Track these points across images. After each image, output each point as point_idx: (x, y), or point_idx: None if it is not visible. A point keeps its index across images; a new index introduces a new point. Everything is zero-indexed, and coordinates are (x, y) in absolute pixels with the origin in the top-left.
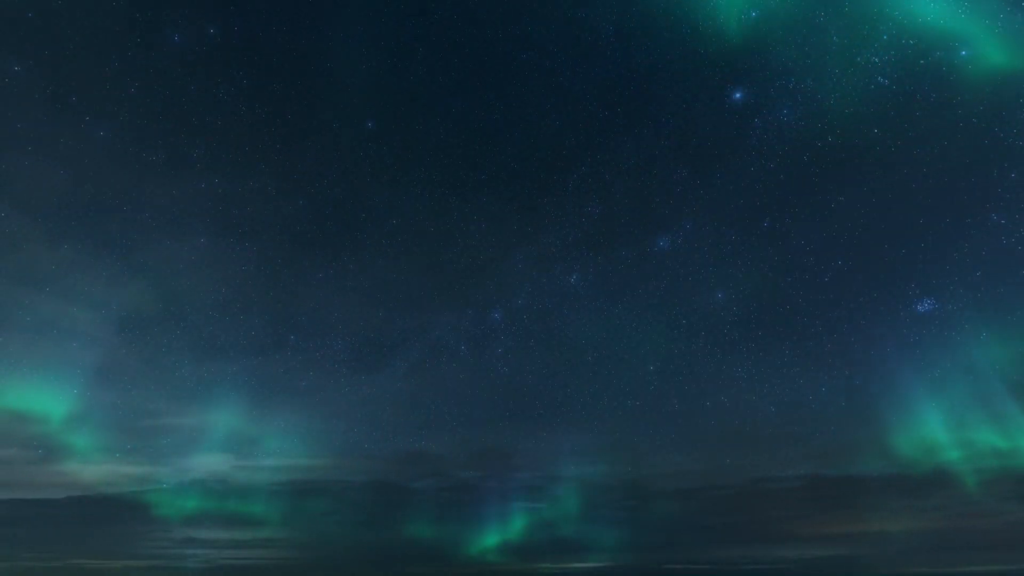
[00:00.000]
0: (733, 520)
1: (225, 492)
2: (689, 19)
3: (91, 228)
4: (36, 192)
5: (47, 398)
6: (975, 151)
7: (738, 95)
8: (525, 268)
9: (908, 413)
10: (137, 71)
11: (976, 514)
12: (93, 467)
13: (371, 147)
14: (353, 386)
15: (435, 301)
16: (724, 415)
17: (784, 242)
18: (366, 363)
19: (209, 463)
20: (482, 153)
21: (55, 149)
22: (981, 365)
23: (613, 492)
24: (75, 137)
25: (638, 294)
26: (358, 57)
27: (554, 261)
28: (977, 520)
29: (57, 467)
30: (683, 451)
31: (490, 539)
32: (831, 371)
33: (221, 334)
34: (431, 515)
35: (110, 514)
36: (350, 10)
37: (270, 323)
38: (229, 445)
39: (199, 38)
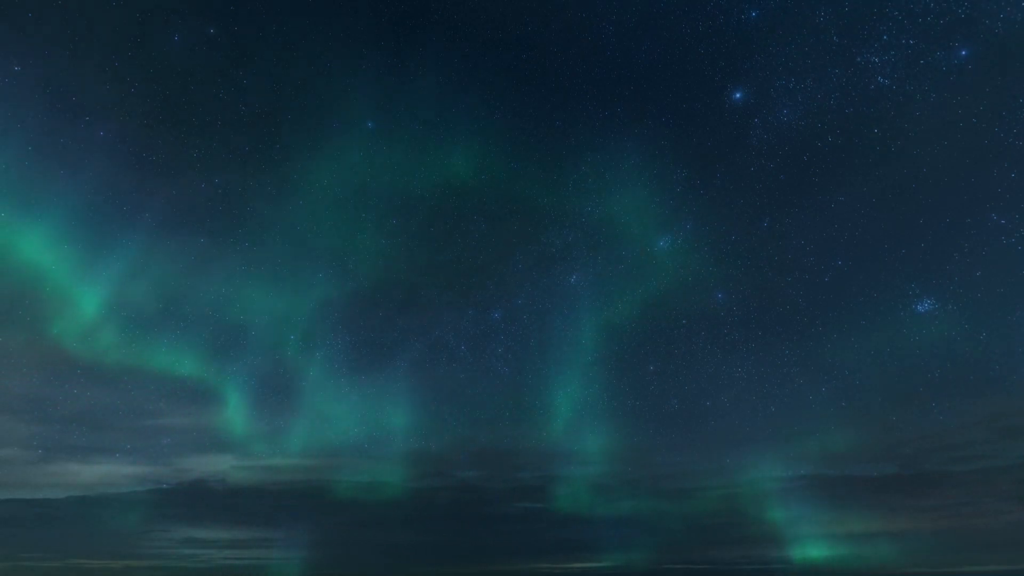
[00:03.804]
0: (733, 520)
1: (225, 492)
2: (689, 19)
3: (91, 228)
4: (36, 192)
5: (47, 398)
6: (975, 151)
7: (738, 95)
8: (525, 268)
9: (908, 412)
10: (137, 71)
11: (976, 514)
12: (93, 467)
13: (371, 147)
14: (353, 386)
15: (435, 301)
16: (724, 415)
17: (784, 242)
18: (366, 363)
19: (209, 463)
20: (482, 153)
21: (55, 149)
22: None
23: (613, 492)
24: (75, 137)
25: (638, 294)
26: (358, 57)
27: (554, 261)
28: (977, 520)
29: (57, 467)
30: (683, 451)
31: (490, 539)
32: (831, 371)
33: (221, 333)
34: (431, 515)
35: (110, 514)
36: (350, 10)
37: (270, 323)
38: (229, 445)
39: (199, 38)
